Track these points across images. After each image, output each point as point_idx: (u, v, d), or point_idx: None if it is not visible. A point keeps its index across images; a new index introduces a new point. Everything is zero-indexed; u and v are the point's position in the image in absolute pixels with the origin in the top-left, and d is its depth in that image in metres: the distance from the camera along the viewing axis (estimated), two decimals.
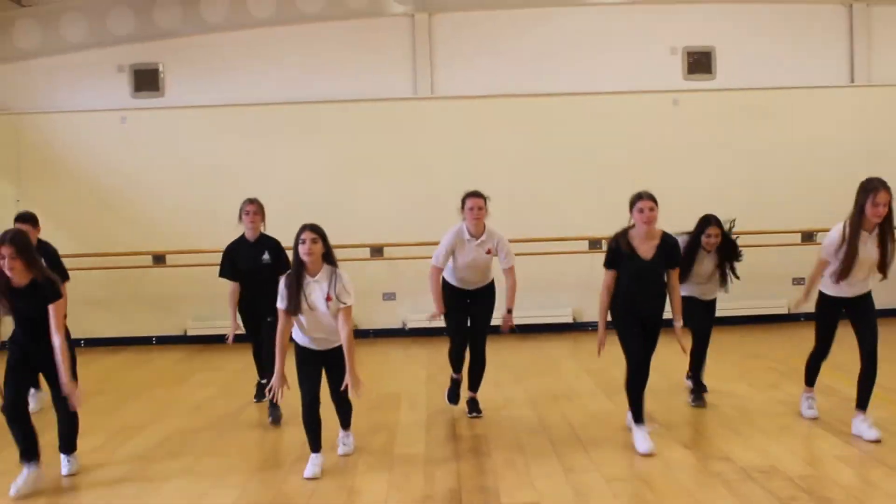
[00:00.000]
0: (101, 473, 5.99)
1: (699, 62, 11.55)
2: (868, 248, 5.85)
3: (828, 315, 6.29)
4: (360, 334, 11.26)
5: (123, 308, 11.51)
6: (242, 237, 7.33)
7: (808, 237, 11.18)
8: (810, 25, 11.57)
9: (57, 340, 5.31)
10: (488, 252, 6.73)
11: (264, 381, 6.92)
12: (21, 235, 5.37)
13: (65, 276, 7.39)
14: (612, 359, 8.96)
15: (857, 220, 5.82)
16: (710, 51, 11.55)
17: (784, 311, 11.21)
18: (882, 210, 5.73)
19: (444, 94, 11.52)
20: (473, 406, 7.11)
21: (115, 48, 11.53)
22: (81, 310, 10.85)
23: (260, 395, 7.52)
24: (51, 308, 5.32)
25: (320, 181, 11.19)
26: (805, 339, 10.00)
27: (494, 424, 6.94)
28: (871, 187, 5.75)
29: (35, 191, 11.33)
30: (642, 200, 5.81)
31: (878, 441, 5.87)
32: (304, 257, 5.46)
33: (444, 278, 6.99)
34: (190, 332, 11.34)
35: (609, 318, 6.16)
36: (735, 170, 11.19)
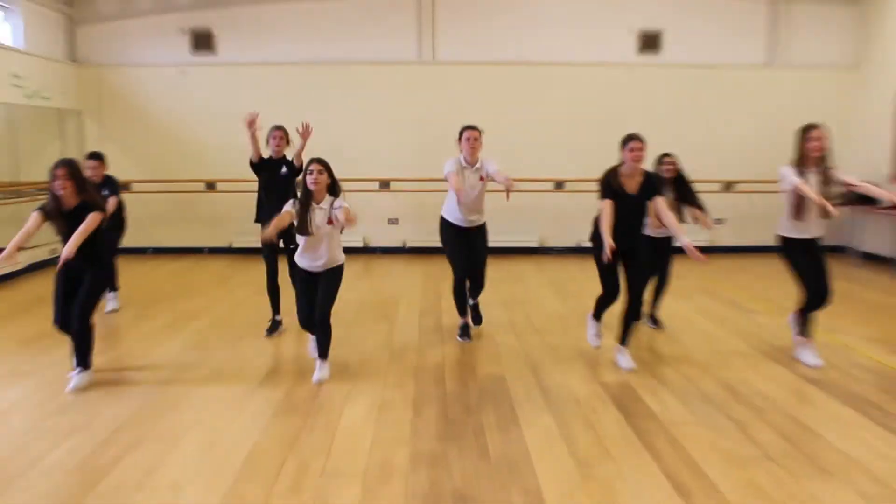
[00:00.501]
0: (170, 346, 6.29)
1: (650, 41, 11.48)
2: (813, 186, 5.43)
3: (798, 256, 5.67)
4: (368, 251, 11.52)
5: (182, 224, 11.61)
6: (270, 157, 6.93)
7: (727, 187, 11.41)
8: (740, 15, 11.48)
9: (83, 226, 4.96)
10: (481, 179, 6.24)
11: (278, 318, 6.77)
12: (74, 162, 5.17)
13: (115, 191, 7.29)
14: (568, 275, 9.30)
15: (798, 161, 5.54)
16: (659, 32, 11.48)
17: (706, 244, 11.46)
18: (818, 144, 5.44)
19: (443, 59, 11.46)
20: (474, 312, 6.77)
21: (178, 14, 11.41)
22: (149, 224, 11.15)
23: (272, 329, 6.76)
24: (90, 215, 5.03)
25: (340, 127, 11.22)
26: (720, 266, 10.40)
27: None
28: (805, 128, 5.53)
29: (113, 129, 11.38)
30: (633, 141, 5.40)
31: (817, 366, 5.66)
32: (311, 186, 5.17)
33: (443, 217, 6.44)
34: (234, 245, 11.50)
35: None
36: (676, 129, 11.16)
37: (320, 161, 5.27)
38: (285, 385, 5.22)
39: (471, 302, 6.73)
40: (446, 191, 6.32)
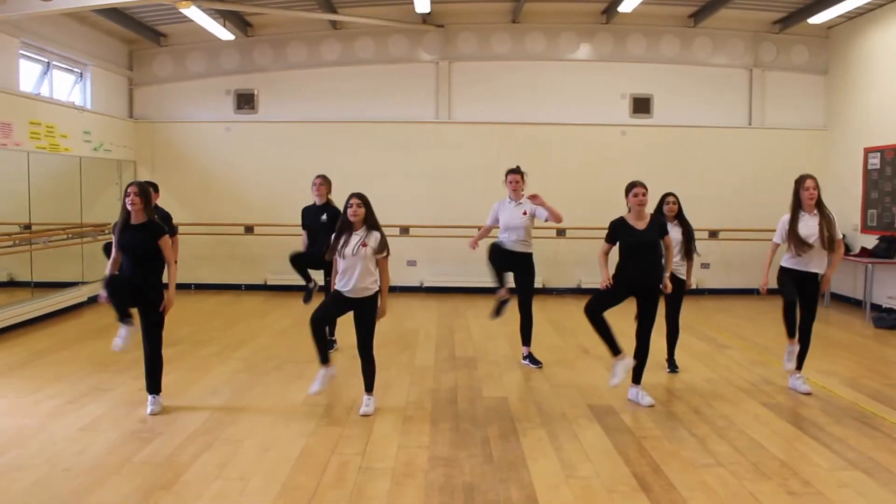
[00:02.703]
0: (222, 369, 7.07)
1: (641, 105, 12.29)
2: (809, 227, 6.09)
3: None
4: (390, 290, 12.25)
5: (222, 263, 12.33)
6: (313, 203, 7.67)
7: (714, 234, 12.15)
8: (722, 82, 12.30)
9: (170, 267, 5.62)
10: (524, 213, 7.06)
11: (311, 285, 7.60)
12: (145, 184, 5.67)
13: (174, 232, 7.62)
14: (564, 314, 10.02)
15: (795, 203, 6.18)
16: (649, 97, 12.30)
17: (693, 287, 12.15)
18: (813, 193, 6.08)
19: (458, 119, 12.26)
20: (532, 359, 7.27)
21: (224, 77, 12.32)
22: (193, 263, 11.94)
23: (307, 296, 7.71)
24: (160, 242, 5.48)
25: (366, 178, 11.71)
26: (704, 306, 11.06)
27: (481, 350, 7.93)
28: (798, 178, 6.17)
29: (164, 177, 12.03)
30: (636, 187, 5.79)
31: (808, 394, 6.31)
32: (352, 218, 5.58)
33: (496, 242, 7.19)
34: (269, 282, 12.24)
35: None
36: (666, 182, 11.65)
37: (359, 196, 5.68)
38: (325, 402, 6.00)
39: (525, 350, 7.32)
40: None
